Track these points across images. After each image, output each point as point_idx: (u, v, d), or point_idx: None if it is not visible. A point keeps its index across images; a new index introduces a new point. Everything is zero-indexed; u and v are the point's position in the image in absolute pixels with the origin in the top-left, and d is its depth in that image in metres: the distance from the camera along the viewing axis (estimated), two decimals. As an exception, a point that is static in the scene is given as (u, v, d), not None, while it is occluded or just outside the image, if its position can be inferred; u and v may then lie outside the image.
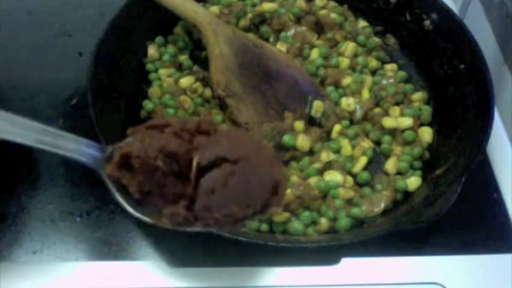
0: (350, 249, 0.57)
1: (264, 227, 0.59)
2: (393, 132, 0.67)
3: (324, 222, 0.60)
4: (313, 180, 0.62)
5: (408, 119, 0.67)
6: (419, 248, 0.60)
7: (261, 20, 0.78)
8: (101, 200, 0.63)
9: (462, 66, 0.69)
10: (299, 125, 0.67)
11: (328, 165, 0.64)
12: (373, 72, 0.75)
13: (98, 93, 0.63)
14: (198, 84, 0.70)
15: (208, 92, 0.70)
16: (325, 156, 0.65)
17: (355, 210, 0.60)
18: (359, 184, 0.64)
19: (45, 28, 0.81)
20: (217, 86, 0.67)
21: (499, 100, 0.70)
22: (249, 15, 0.77)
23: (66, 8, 0.84)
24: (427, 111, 0.70)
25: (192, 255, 0.57)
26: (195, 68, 0.73)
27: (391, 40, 0.79)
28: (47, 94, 0.72)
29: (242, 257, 0.56)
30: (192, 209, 0.43)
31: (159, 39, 0.75)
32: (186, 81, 0.70)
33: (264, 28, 0.77)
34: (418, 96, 0.71)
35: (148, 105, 0.68)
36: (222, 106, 0.68)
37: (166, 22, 0.76)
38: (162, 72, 0.72)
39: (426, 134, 0.68)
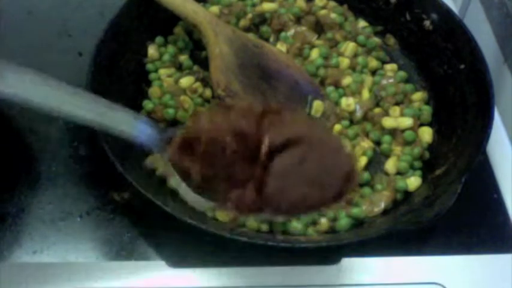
0: (350, 249, 0.57)
1: (264, 227, 0.59)
2: (393, 132, 0.67)
3: (324, 222, 0.60)
4: (313, 180, 0.62)
5: (408, 119, 0.67)
6: (419, 248, 0.60)
7: (261, 20, 0.78)
8: (101, 200, 0.63)
9: (462, 66, 0.69)
10: (299, 125, 0.67)
11: (328, 165, 0.64)
12: (373, 72, 0.75)
13: (98, 93, 0.63)
14: (198, 84, 0.70)
15: (208, 92, 0.70)
16: (325, 156, 0.65)
17: (355, 210, 0.60)
18: (359, 184, 0.64)
19: (45, 28, 0.81)
20: (217, 86, 0.67)
21: (499, 100, 0.69)
22: (249, 15, 0.77)
23: (66, 8, 0.84)
24: (427, 111, 0.70)
25: (192, 255, 0.57)
26: (195, 68, 0.73)
27: (391, 40, 0.79)
28: (47, 94, 0.72)
29: (242, 257, 0.56)
30: (260, 193, 0.40)
31: (159, 39, 0.75)
32: (186, 81, 0.70)
33: (264, 28, 0.77)
34: (418, 96, 0.71)
35: (148, 105, 0.68)
36: (222, 106, 0.68)
37: (166, 22, 0.76)
38: (162, 72, 0.72)
39: (426, 134, 0.68)
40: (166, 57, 0.73)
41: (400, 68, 0.75)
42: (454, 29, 0.71)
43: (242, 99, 0.68)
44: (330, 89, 0.71)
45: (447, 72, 0.71)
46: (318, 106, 0.68)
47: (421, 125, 0.69)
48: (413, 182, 0.63)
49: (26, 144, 0.68)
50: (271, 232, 0.60)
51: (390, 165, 0.65)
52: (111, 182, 0.63)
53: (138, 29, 0.73)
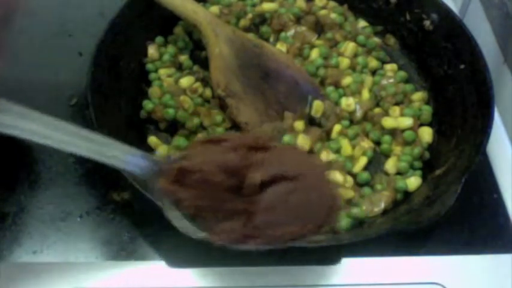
0: (350, 249, 0.57)
1: (264, 227, 0.59)
2: (393, 132, 0.67)
3: (324, 222, 0.60)
4: (313, 180, 0.62)
5: (408, 119, 0.67)
6: (419, 248, 0.60)
7: (261, 20, 0.78)
8: (101, 200, 0.63)
9: (462, 66, 0.69)
10: (299, 125, 0.67)
11: (328, 165, 0.64)
12: (373, 72, 0.75)
13: (98, 93, 0.63)
14: (198, 84, 0.70)
15: (208, 92, 0.70)
16: (325, 156, 0.65)
17: (355, 210, 0.60)
18: (359, 184, 0.64)
19: (45, 28, 0.81)
20: (217, 86, 0.67)
21: (499, 100, 0.69)
22: (249, 15, 0.77)
23: (66, 8, 0.84)
24: (427, 111, 0.70)
25: (192, 255, 0.57)
26: (195, 68, 0.73)
27: (391, 40, 0.79)
28: (47, 94, 0.72)
29: (242, 257, 0.56)
30: (248, 225, 0.42)
31: (159, 39, 0.75)
32: (186, 81, 0.70)
33: (264, 28, 0.77)
34: (418, 96, 0.71)
35: (148, 105, 0.68)
36: (222, 106, 0.68)
37: (166, 22, 0.76)
38: (162, 72, 0.72)
39: (426, 134, 0.68)
40: (166, 57, 0.73)
41: (400, 68, 0.75)
42: (454, 29, 0.71)
43: (242, 99, 0.68)
44: (330, 89, 0.71)
45: (447, 72, 0.71)
46: (318, 106, 0.68)
47: (421, 125, 0.69)
48: (413, 182, 0.63)
49: (26, 145, 0.68)
50: (271, 232, 0.60)
51: (390, 165, 0.65)
52: (111, 182, 0.63)
53: (138, 29, 0.73)
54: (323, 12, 0.78)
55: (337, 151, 0.66)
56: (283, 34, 0.76)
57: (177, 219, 0.45)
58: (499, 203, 0.64)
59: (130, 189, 0.62)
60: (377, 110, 0.69)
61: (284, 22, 0.76)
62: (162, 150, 0.64)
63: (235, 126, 0.68)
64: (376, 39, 0.77)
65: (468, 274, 0.57)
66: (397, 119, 0.68)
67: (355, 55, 0.75)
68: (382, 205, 0.61)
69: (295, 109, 0.68)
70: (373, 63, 0.75)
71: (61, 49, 0.78)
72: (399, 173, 0.65)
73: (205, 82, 0.71)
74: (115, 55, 0.68)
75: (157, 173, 0.44)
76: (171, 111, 0.67)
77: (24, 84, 0.73)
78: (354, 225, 0.60)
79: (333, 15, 0.77)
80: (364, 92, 0.71)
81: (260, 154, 0.44)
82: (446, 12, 0.73)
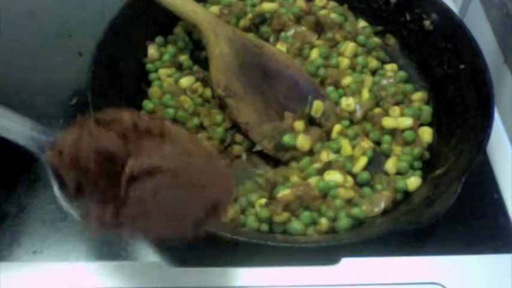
0: (350, 249, 0.57)
1: (264, 227, 0.59)
2: (393, 132, 0.67)
3: (324, 222, 0.60)
4: (313, 180, 0.62)
5: (408, 119, 0.67)
6: (419, 248, 0.60)
7: (261, 20, 0.78)
8: (101, 200, 0.63)
9: (462, 66, 0.69)
10: (299, 125, 0.67)
11: (328, 165, 0.64)
12: (373, 72, 0.75)
13: (98, 93, 0.63)
14: (198, 84, 0.70)
15: (208, 92, 0.70)
16: (325, 156, 0.65)
17: (355, 210, 0.60)
18: (359, 184, 0.64)
19: (45, 28, 0.81)
20: (217, 86, 0.67)
21: (499, 100, 0.69)
22: (249, 15, 0.77)
23: (66, 8, 0.84)
24: (427, 111, 0.70)
25: (192, 255, 0.57)
26: (195, 68, 0.73)
27: (391, 40, 0.79)
28: (47, 94, 0.72)
29: (242, 257, 0.56)
30: (118, 215, 0.41)
31: (159, 39, 0.75)
32: (186, 81, 0.70)
33: (264, 28, 0.77)
34: (418, 96, 0.71)
35: (148, 105, 0.68)
36: (222, 106, 0.68)
37: (166, 22, 0.76)
38: (162, 72, 0.72)
39: (426, 134, 0.68)
40: (166, 57, 0.73)
41: (400, 68, 0.75)
42: (454, 29, 0.71)
43: (242, 99, 0.68)
44: (330, 89, 0.71)
45: (447, 72, 0.71)
46: (318, 106, 0.68)
47: (421, 125, 0.69)
48: (413, 182, 0.63)
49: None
50: (271, 232, 0.60)
51: (390, 165, 0.65)
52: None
53: (138, 29, 0.73)
54: (323, 12, 0.78)
55: (337, 151, 0.66)
56: (283, 34, 0.76)
57: (61, 198, 0.44)
58: (499, 203, 0.64)
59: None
60: (377, 110, 0.69)
61: (284, 22, 0.76)
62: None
63: (235, 126, 0.68)
64: (376, 39, 0.77)
65: (468, 274, 0.57)
66: (397, 119, 0.68)
67: (355, 55, 0.75)
68: (382, 205, 0.61)
69: (295, 109, 0.68)
70: (373, 63, 0.75)
71: (61, 49, 0.78)
72: (399, 173, 0.65)
73: (205, 82, 0.71)
74: (115, 55, 0.68)
75: (49, 144, 0.43)
76: (171, 111, 0.67)
77: (24, 84, 0.74)
78: (354, 225, 0.60)
79: (333, 15, 0.77)
80: (364, 92, 0.71)
81: (142, 142, 0.42)
82: (446, 12, 0.73)
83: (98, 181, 0.41)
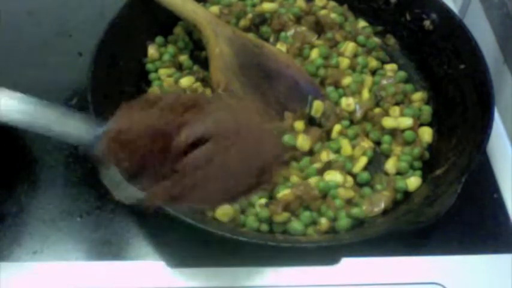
0: (350, 249, 0.57)
1: (264, 227, 0.59)
2: (393, 132, 0.67)
3: (324, 222, 0.60)
4: (313, 180, 0.62)
5: (408, 119, 0.67)
6: (419, 248, 0.60)
7: (261, 20, 0.78)
8: (101, 200, 0.63)
9: (462, 66, 0.69)
10: (299, 125, 0.67)
11: (328, 165, 0.64)
12: (373, 72, 0.75)
13: (98, 93, 0.63)
14: (198, 84, 0.70)
15: (208, 92, 0.70)
16: (325, 156, 0.65)
17: (355, 210, 0.60)
18: (359, 184, 0.64)
19: (45, 28, 0.81)
20: (217, 86, 0.67)
21: (499, 100, 0.69)
22: (249, 15, 0.77)
23: (66, 8, 0.84)
24: (427, 111, 0.70)
25: (192, 255, 0.57)
26: (195, 68, 0.73)
27: (391, 40, 0.79)
28: (47, 94, 0.72)
29: (242, 257, 0.56)
30: (177, 187, 0.42)
31: (159, 39, 0.75)
32: (186, 81, 0.70)
33: (264, 28, 0.77)
34: (418, 96, 0.71)
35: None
36: (222, 106, 0.68)
37: (166, 22, 0.76)
38: (162, 72, 0.72)
39: (426, 134, 0.68)
40: (166, 57, 0.73)
41: (400, 68, 0.75)
42: (454, 29, 0.71)
43: (242, 99, 0.68)
44: (330, 89, 0.71)
45: (447, 72, 0.71)
46: (318, 106, 0.68)
47: (421, 125, 0.69)
48: (413, 182, 0.63)
49: (26, 144, 0.68)
50: (271, 232, 0.60)
51: (390, 165, 0.65)
52: (111, 181, 0.63)
53: (138, 29, 0.73)
54: (323, 12, 0.78)
55: (337, 151, 0.66)
56: (283, 34, 0.76)
57: (116, 185, 0.45)
58: (499, 203, 0.64)
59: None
60: (377, 110, 0.69)
61: (284, 22, 0.76)
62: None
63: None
64: (376, 39, 0.77)
65: (468, 274, 0.57)
66: (397, 119, 0.68)
67: (355, 55, 0.75)
68: (382, 205, 0.61)
69: (295, 109, 0.68)
70: (373, 63, 0.75)
71: (61, 49, 0.78)
72: (399, 173, 0.65)
73: (205, 82, 0.71)
74: (115, 55, 0.68)
75: (99, 137, 0.44)
76: (171, 111, 0.67)
77: (24, 84, 0.73)
78: (354, 225, 0.60)
79: (333, 15, 0.77)
80: (364, 92, 0.71)
81: (190, 114, 0.43)
82: (446, 12, 0.73)
83: (152, 159, 0.43)
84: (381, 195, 0.62)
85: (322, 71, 0.72)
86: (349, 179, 0.63)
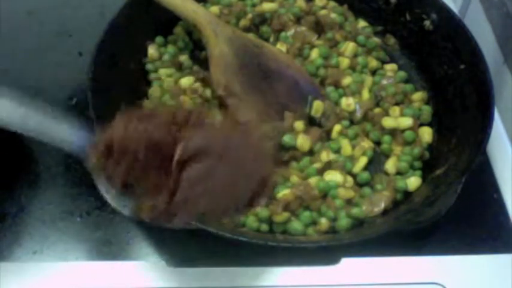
0: (350, 249, 0.57)
1: (264, 227, 0.59)
2: (393, 132, 0.67)
3: (324, 222, 0.60)
4: (313, 180, 0.62)
5: (408, 119, 0.67)
6: (419, 248, 0.60)
7: (261, 20, 0.78)
8: (101, 200, 0.62)
9: (462, 66, 0.69)
10: (299, 125, 0.67)
11: (328, 165, 0.64)
12: (373, 72, 0.75)
13: (98, 93, 0.63)
14: (198, 84, 0.70)
15: (208, 92, 0.70)
16: (325, 156, 0.65)
17: (355, 210, 0.60)
18: (359, 184, 0.64)
19: (45, 28, 0.81)
20: (218, 86, 0.67)
21: (499, 100, 0.69)
22: (249, 15, 0.77)
23: (66, 8, 0.84)
24: (427, 111, 0.70)
25: (192, 255, 0.57)
26: (195, 68, 0.73)
27: (391, 40, 0.79)
28: (47, 94, 0.72)
29: (242, 257, 0.56)
30: (170, 203, 0.42)
31: (159, 39, 0.75)
32: (186, 81, 0.70)
33: (264, 28, 0.77)
34: (418, 96, 0.71)
35: (148, 105, 0.68)
36: (222, 106, 0.68)
37: (166, 22, 0.76)
38: (162, 72, 0.72)
39: (426, 134, 0.68)
40: (166, 57, 0.73)
41: (400, 68, 0.75)
42: (454, 29, 0.71)
43: (242, 99, 0.68)
44: (330, 89, 0.71)
45: (447, 72, 0.71)
46: (318, 106, 0.68)
47: (421, 125, 0.69)
48: (413, 182, 0.63)
49: (26, 144, 0.68)
50: (271, 232, 0.60)
51: (390, 165, 0.65)
52: (111, 182, 0.63)
53: (138, 29, 0.73)
54: (323, 12, 0.78)
55: (337, 151, 0.66)
56: (283, 34, 0.76)
57: (110, 195, 0.45)
58: (499, 203, 0.64)
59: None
60: (377, 110, 0.69)
61: (284, 22, 0.76)
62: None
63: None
64: (376, 39, 0.77)
65: (468, 274, 0.57)
66: (397, 119, 0.68)
67: (355, 55, 0.75)
68: (382, 205, 0.61)
69: (295, 109, 0.68)
70: (373, 63, 0.75)
71: (61, 49, 0.78)
72: (399, 173, 0.65)
73: (205, 82, 0.71)
74: (115, 55, 0.68)
75: (90, 145, 0.44)
76: (171, 111, 0.67)
77: (24, 84, 0.73)
78: (354, 225, 0.60)
79: (333, 15, 0.77)
80: (364, 92, 0.71)
81: (187, 131, 0.43)
82: (446, 12, 0.73)
83: (147, 172, 0.42)
84: (381, 195, 0.62)
85: (322, 71, 0.72)
86: (349, 179, 0.63)
